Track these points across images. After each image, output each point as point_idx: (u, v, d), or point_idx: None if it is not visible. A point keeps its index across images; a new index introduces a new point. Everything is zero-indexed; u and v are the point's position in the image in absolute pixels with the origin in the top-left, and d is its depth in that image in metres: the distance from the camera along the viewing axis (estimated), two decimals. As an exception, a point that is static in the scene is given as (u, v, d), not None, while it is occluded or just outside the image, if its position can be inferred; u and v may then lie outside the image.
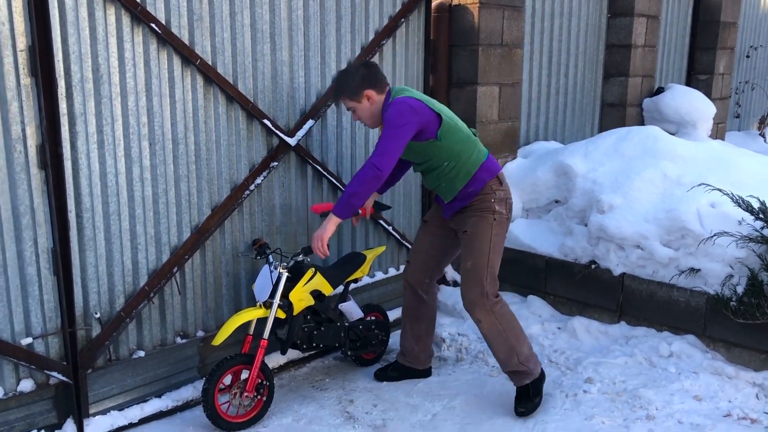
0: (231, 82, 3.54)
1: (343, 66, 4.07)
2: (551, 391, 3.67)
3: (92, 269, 3.15)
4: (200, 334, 3.63)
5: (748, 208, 3.62)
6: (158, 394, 3.50)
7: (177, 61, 3.31)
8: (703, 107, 5.98)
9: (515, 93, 4.92)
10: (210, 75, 3.42)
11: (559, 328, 4.35)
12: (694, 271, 3.87)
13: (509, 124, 4.93)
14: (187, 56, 3.32)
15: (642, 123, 6.18)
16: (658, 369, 3.78)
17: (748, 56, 8.16)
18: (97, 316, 3.19)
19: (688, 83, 7.19)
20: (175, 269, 3.42)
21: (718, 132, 7.29)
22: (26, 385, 3.02)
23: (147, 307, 3.36)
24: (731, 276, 3.73)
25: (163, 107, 3.29)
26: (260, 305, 3.45)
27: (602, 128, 6.10)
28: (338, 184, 4.14)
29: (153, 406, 3.43)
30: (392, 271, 4.65)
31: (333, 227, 3.29)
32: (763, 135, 8.09)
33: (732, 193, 3.69)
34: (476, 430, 3.34)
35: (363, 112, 3.42)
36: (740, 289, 3.66)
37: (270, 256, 3.57)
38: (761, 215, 3.60)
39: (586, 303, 4.37)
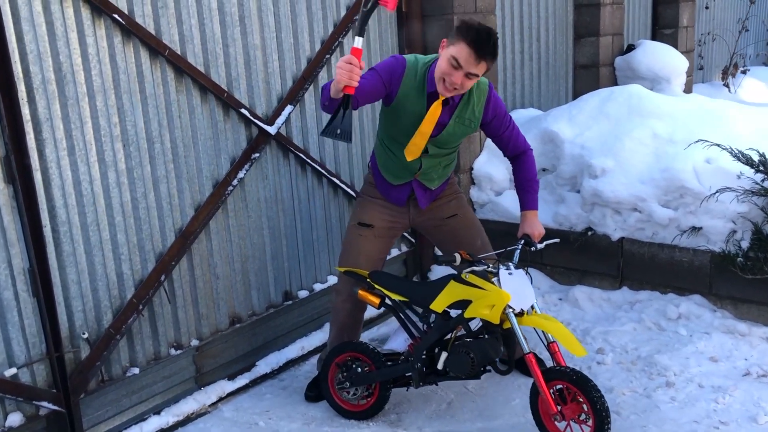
0: (203, 71, 3.30)
1: (317, 47, 3.85)
2: (564, 365, 3.56)
3: (75, 286, 2.89)
4: (194, 342, 3.41)
5: (748, 161, 3.55)
6: (157, 411, 3.28)
7: (144, 54, 3.05)
8: (675, 61, 5.92)
9: (492, 61, 4.75)
10: (181, 65, 3.17)
11: (560, 299, 4.25)
12: (695, 229, 3.79)
13: (489, 94, 4.76)
14: (155, 47, 3.06)
15: (615, 83, 6.09)
16: (669, 332, 3.71)
17: (707, 7, 8.14)
18: (85, 336, 2.95)
19: (654, 38, 7.13)
20: (162, 277, 3.19)
21: (686, 85, 7.27)
22: (15, 419, 2.77)
23: (137, 320, 3.13)
24: (734, 232, 3.66)
25: (134, 104, 3.03)
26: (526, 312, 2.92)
27: (576, 91, 5.99)
28: (323, 171, 3.93)
29: (152, 424, 3.22)
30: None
31: None
32: (727, 85, 8.10)
33: (731, 147, 3.60)
34: (494, 415, 3.22)
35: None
36: (745, 245, 3.59)
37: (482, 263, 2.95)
38: (761, 167, 3.52)
39: (585, 271, 4.27)
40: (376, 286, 3.20)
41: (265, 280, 3.75)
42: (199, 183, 3.35)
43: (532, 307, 2.96)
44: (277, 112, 3.66)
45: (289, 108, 3.70)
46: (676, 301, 3.85)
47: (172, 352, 3.32)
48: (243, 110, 3.46)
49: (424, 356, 3.09)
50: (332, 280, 4.11)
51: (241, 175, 3.49)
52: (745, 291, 3.66)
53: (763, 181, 3.53)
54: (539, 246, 3.15)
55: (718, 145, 3.64)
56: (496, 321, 2.89)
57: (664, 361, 3.46)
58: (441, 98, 2.90)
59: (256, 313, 3.72)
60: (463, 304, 2.95)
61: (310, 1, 3.77)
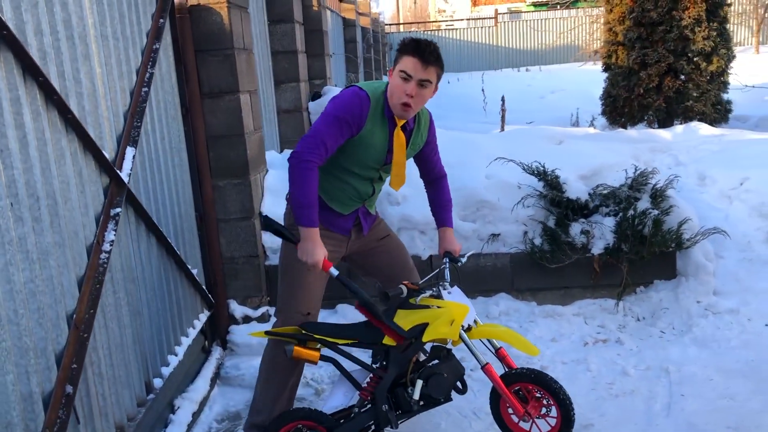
0: (64, 98, 2.44)
1: (134, 78, 3.19)
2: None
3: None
4: (96, 472, 2.45)
5: (536, 172, 4.27)
6: None
7: (19, 74, 2.13)
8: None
9: (257, 101, 4.57)
10: (51, 93, 2.31)
11: (386, 325, 4.32)
12: (494, 236, 4.36)
13: (260, 135, 4.56)
14: (28, 67, 2.17)
15: (311, 125, 6.40)
16: (502, 329, 4.15)
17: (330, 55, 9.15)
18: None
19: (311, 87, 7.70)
20: (69, 389, 2.22)
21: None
22: None
23: (56, 458, 2.12)
24: (526, 232, 4.35)
25: (10, 141, 2.08)
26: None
27: (282, 135, 6.11)
28: (156, 224, 3.23)
29: None
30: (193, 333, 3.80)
31: None
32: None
33: (521, 163, 4.29)
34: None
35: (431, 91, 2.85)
36: (537, 241, 4.29)
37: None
38: (543, 176, 4.29)
39: (399, 294, 4.43)
40: (317, 336, 2.84)
41: (131, 372, 2.89)
42: (76, 251, 2.45)
43: (475, 321, 3.05)
44: (122, 156, 2.91)
45: (130, 151, 2.97)
46: (490, 302, 4.34)
47: (81, 494, 2.32)
48: (105, 152, 2.67)
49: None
50: (173, 361, 3.39)
51: (110, 237, 2.66)
52: (538, 281, 4.37)
53: (544, 187, 4.30)
54: (462, 260, 3.26)
55: (513, 161, 4.29)
56: (457, 337, 2.90)
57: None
58: (399, 124, 2.87)
59: (131, 418, 2.84)
60: (416, 331, 2.87)
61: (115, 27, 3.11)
